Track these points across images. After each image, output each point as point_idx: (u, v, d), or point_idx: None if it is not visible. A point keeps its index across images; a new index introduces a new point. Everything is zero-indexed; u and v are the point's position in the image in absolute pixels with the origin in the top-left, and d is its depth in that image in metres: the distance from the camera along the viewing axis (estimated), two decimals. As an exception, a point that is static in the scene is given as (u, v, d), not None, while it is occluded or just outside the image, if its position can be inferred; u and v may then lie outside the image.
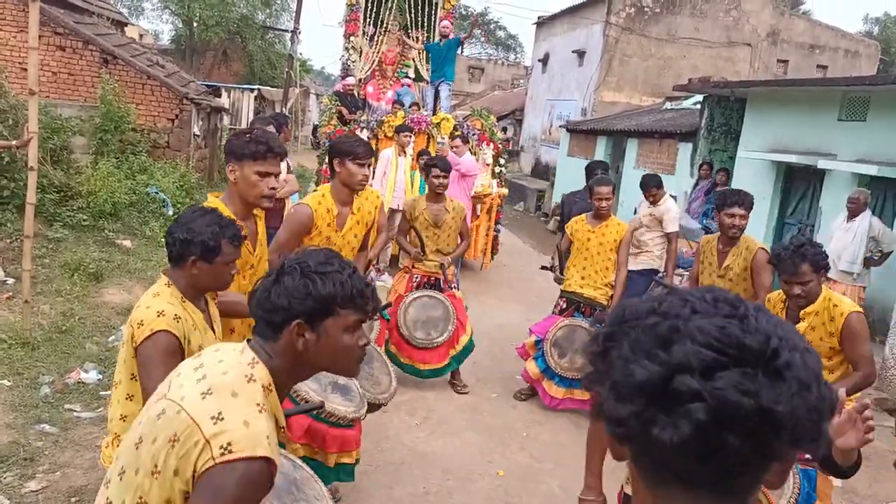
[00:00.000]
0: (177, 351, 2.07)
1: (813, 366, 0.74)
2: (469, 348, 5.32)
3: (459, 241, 5.35)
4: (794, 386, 0.72)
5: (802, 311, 3.20)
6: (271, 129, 6.39)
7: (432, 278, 5.26)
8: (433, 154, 8.46)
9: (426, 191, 8.07)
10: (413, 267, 5.28)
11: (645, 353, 0.75)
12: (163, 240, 8.78)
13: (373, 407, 3.47)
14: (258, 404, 1.41)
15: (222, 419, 1.36)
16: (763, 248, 4.19)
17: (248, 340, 1.53)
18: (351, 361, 1.56)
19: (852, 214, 6.84)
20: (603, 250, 5.03)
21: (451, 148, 8.64)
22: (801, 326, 3.17)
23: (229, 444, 1.33)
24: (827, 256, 3.18)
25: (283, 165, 6.25)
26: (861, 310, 3.21)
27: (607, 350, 0.80)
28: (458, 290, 5.42)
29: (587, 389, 0.85)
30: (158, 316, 2.08)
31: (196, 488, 1.34)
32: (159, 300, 2.14)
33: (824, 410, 0.74)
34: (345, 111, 9.62)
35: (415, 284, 5.27)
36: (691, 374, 0.71)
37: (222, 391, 1.40)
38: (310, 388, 3.01)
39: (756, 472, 0.75)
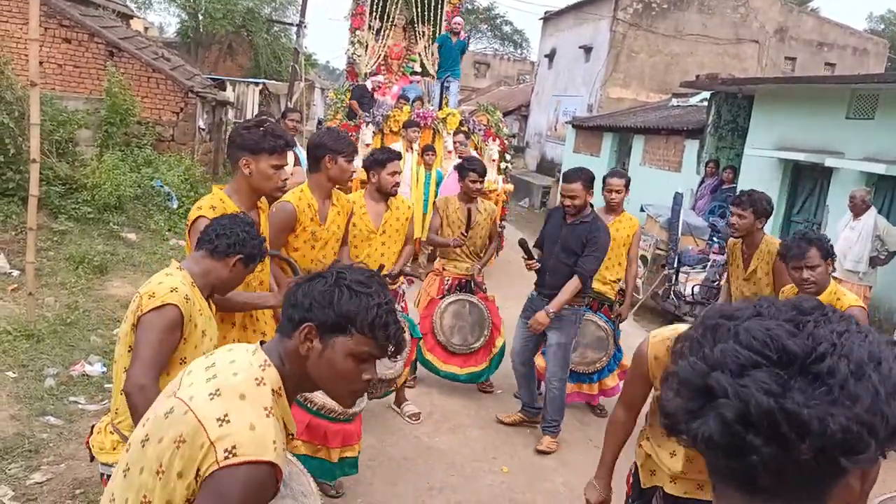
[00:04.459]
0: (178, 327, 2.10)
1: (877, 381, 0.71)
2: (504, 350, 5.22)
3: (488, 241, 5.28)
4: (836, 393, 0.69)
5: None
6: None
7: (463, 280, 5.17)
8: (436, 148, 8.43)
9: (430, 187, 8.11)
10: (444, 269, 5.18)
11: (698, 352, 0.77)
12: (167, 233, 8.68)
13: (383, 384, 3.46)
14: (266, 408, 1.37)
15: (228, 422, 1.32)
16: None
17: (262, 342, 1.50)
18: (346, 390, 1.48)
19: (855, 213, 6.81)
20: (615, 245, 4.88)
21: (456, 144, 8.61)
22: None
23: (234, 447, 1.29)
24: (832, 246, 3.24)
25: (291, 158, 6.24)
26: (864, 306, 3.28)
27: (680, 350, 0.83)
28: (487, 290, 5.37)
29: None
30: (171, 291, 2.11)
31: (201, 491, 1.31)
32: (172, 279, 2.17)
33: (877, 427, 0.70)
34: (356, 105, 9.55)
35: (447, 287, 5.16)
36: (725, 371, 0.72)
37: (230, 393, 1.37)
38: None
39: (800, 480, 0.72)
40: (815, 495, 0.74)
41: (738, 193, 4.31)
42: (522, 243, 4.61)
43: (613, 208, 5.01)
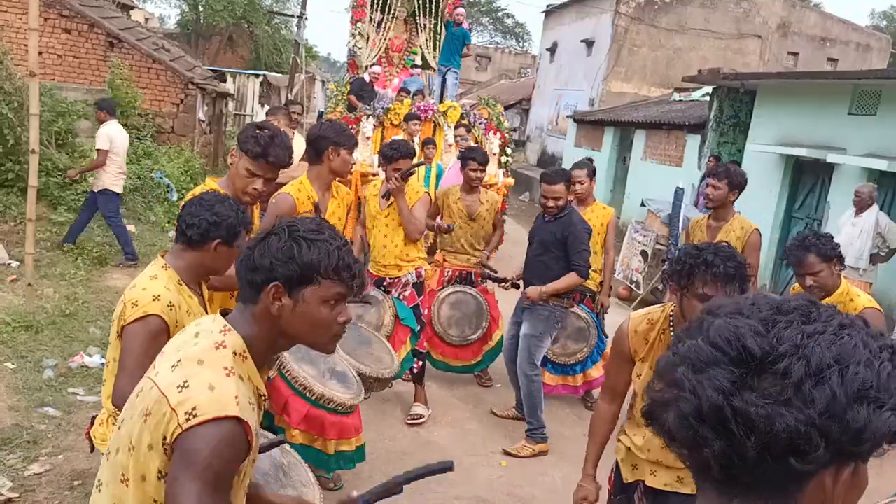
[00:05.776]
0: (163, 334, 2.08)
1: (836, 385, 0.69)
2: (502, 344, 5.18)
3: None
4: (789, 394, 0.69)
5: None
6: (283, 118, 6.31)
7: (464, 272, 5.14)
8: (437, 142, 8.40)
9: (431, 181, 8.08)
10: (444, 261, 5.15)
11: (675, 345, 0.79)
12: (167, 225, 8.64)
13: (380, 382, 3.47)
14: (226, 368, 1.38)
15: (187, 387, 1.33)
16: (757, 230, 4.33)
17: (222, 311, 1.52)
18: (327, 336, 1.50)
19: (858, 209, 6.78)
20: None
21: (456, 138, 8.57)
22: None
23: (194, 408, 1.30)
24: (837, 246, 3.14)
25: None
26: (879, 307, 3.16)
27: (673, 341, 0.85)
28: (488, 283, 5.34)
29: None
30: (154, 300, 2.08)
31: (172, 459, 1.33)
32: (156, 284, 2.12)
33: (831, 430, 0.69)
34: (354, 100, 9.51)
35: (447, 279, 5.13)
36: (687, 366, 0.74)
37: (189, 361, 1.39)
38: (308, 374, 3.01)
39: (759, 477, 0.72)
40: (783, 495, 0.74)
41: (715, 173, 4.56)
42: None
43: (583, 199, 4.99)
